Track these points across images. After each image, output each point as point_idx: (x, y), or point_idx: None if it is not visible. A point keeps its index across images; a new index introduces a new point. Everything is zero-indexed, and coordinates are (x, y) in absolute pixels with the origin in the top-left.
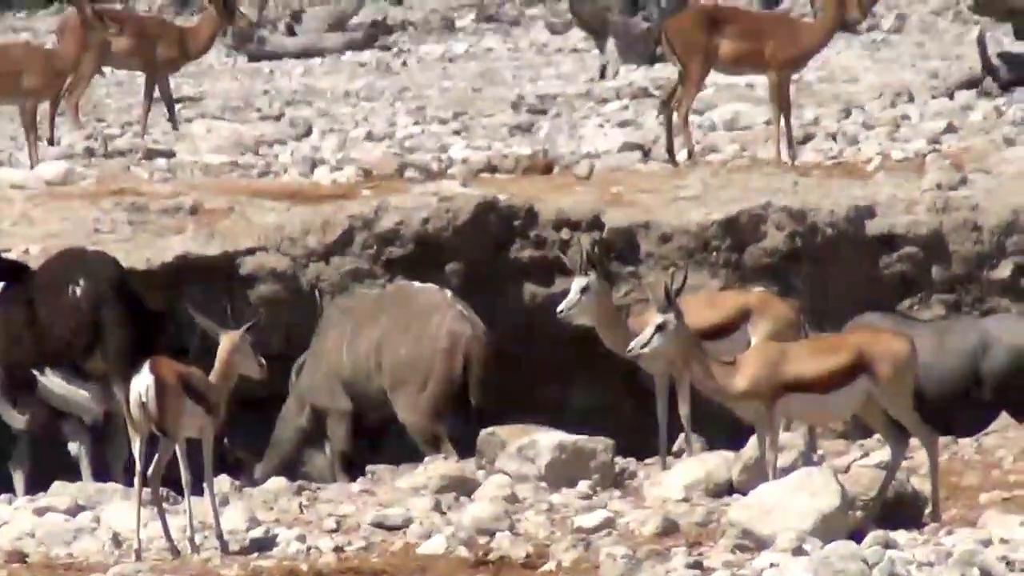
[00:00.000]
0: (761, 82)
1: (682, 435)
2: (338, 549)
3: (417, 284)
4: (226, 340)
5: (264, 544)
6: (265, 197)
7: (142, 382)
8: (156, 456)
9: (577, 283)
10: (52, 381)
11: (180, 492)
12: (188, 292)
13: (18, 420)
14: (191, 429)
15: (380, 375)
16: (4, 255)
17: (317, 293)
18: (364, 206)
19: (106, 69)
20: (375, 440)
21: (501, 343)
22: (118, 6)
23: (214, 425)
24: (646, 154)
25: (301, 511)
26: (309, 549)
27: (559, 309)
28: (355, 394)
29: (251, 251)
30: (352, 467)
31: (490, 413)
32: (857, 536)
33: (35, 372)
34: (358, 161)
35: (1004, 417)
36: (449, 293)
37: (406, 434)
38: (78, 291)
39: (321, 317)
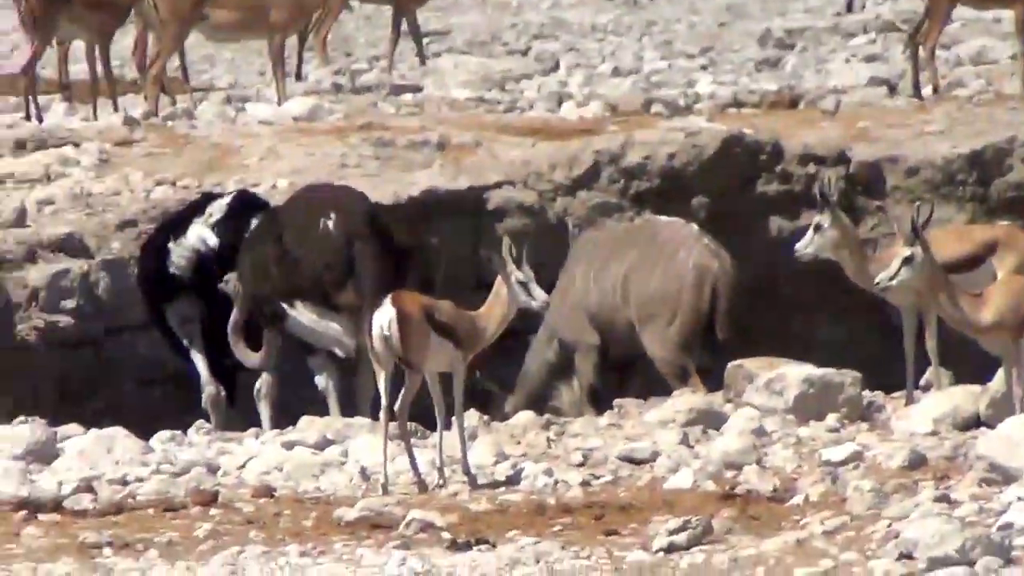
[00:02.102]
0: (1008, 16)
1: (929, 368)
2: (585, 483)
3: (664, 218)
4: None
5: (511, 478)
6: (511, 132)
7: (384, 315)
8: (403, 390)
9: (816, 220)
10: (303, 315)
11: (428, 426)
12: (435, 227)
13: (252, 358)
14: (438, 362)
15: (627, 309)
16: (250, 191)
17: (571, 224)
18: (611, 141)
19: (354, 3)
20: (622, 374)
21: (747, 277)
22: None
23: (466, 359)
24: (892, 89)
25: (549, 445)
26: (556, 483)
27: (796, 249)
28: (602, 328)
29: (498, 185)
30: (599, 401)
31: (737, 347)
32: None
33: (285, 306)
34: (604, 96)
35: None
36: (696, 227)
37: (653, 368)
38: (330, 224)
39: (569, 251)
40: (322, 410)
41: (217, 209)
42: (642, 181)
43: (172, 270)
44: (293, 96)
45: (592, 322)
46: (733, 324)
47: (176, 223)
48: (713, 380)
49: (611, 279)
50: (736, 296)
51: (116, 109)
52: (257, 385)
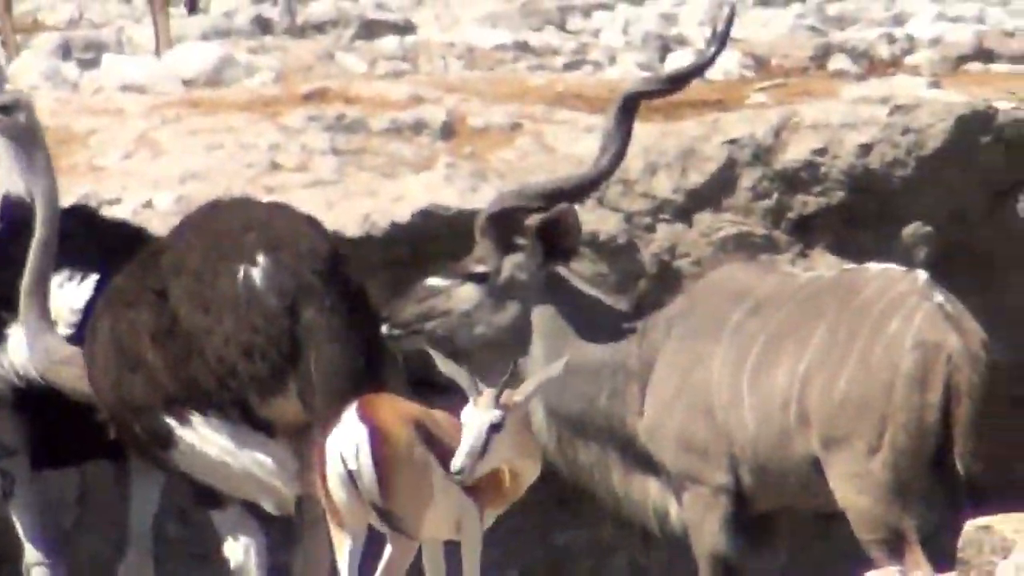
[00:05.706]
0: None
1: None
2: None
3: (873, 266)
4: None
5: None
6: (575, 106)
7: (348, 438)
8: (380, 568)
9: None
10: (205, 438)
11: None
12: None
13: None
14: (439, 521)
15: (807, 431)
16: (112, 216)
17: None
18: (756, 122)
19: None
20: (755, 537)
21: (1008, 361)
22: None
23: (485, 516)
24: None
25: None
26: None
27: None
28: (755, 464)
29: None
30: None
31: (987, 488)
32: None
33: (171, 422)
34: (745, 41)
35: None
36: (922, 276)
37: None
38: (256, 274)
39: (675, 317)
40: None
41: (71, 301)
42: (811, 195)
43: None
44: (184, 40)
45: (728, 454)
46: (981, 447)
47: None
48: (943, 552)
49: (775, 380)
50: (987, 396)
51: None
52: (120, 569)
